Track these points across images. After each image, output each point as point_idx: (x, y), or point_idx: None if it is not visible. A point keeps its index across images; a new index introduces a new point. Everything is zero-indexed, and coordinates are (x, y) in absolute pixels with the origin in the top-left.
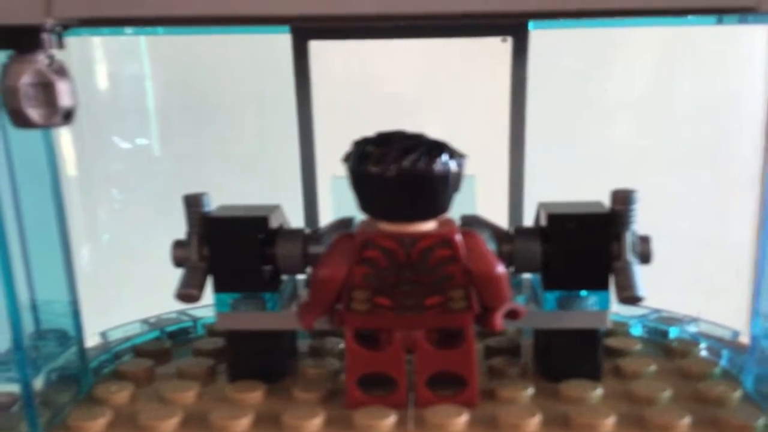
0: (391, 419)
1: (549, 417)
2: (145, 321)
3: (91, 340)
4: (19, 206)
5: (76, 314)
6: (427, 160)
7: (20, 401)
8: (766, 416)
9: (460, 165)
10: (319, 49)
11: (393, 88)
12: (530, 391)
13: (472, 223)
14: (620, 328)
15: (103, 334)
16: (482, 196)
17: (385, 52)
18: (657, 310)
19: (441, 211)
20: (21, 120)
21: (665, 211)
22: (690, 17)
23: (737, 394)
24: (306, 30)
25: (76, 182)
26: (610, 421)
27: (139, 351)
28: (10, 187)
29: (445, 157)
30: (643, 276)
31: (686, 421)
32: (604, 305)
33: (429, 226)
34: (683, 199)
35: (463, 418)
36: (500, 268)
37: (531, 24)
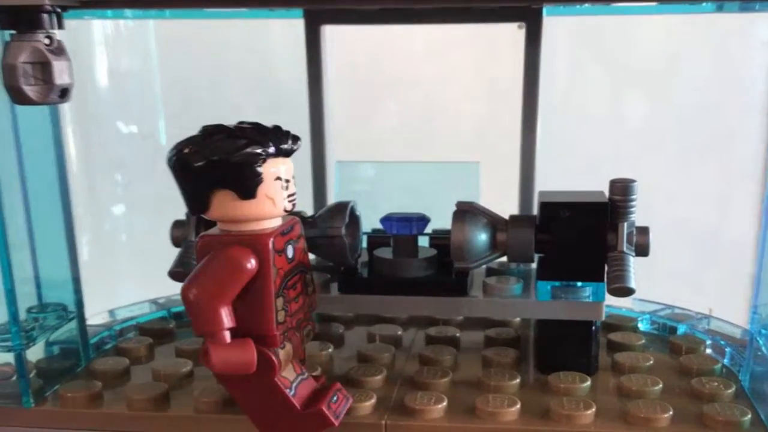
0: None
1: (530, 408)
2: (153, 301)
3: (100, 317)
4: (26, 189)
5: (77, 291)
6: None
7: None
8: (755, 413)
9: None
10: (330, 33)
11: (404, 74)
12: (517, 381)
13: (467, 210)
14: (628, 323)
15: (111, 312)
16: (497, 185)
17: (395, 37)
18: (670, 306)
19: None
20: (18, 97)
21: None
22: (687, 4)
23: (731, 391)
24: (319, 14)
25: (80, 169)
26: (590, 413)
27: (142, 329)
28: (17, 169)
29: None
30: (638, 268)
31: (668, 415)
32: (600, 297)
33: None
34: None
35: (441, 405)
36: (193, 292)
37: (546, 10)
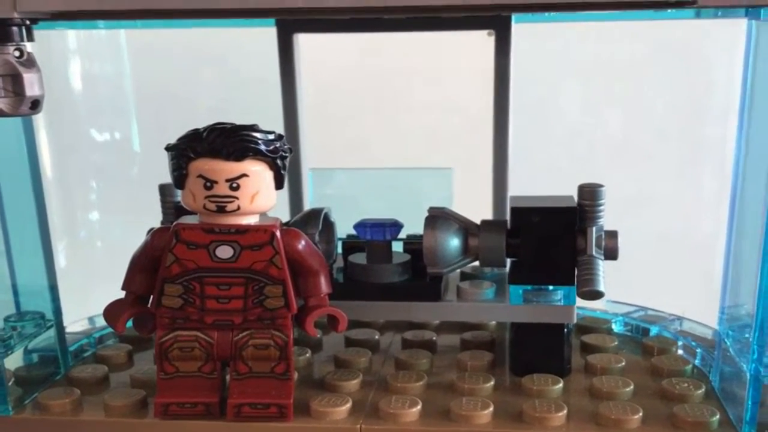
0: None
1: (503, 410)
2: None
3: (79, 325)
4: (1, 198)
5: (54, 299)
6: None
7: None
8: (724, 413)
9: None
10: (304, 42)
11: (377, 81)
12: (490, 384)
13: (438, 215)
14: (602, 325)
15: (90, 319)
16: (472, 192)
17: (368, 44)
18: (643, 308)
19: None
20: None
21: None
22: (639, 11)
23: (701, 391)
24: (291, 23)
25: (55, 176)
26: (561, 415)
27: (121, 336)
28: None
29: None
30: (608, 271)
31: (638, 416)
32: (571, 300)
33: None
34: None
35: (415, 408)
36: None
37: (515, 17)
